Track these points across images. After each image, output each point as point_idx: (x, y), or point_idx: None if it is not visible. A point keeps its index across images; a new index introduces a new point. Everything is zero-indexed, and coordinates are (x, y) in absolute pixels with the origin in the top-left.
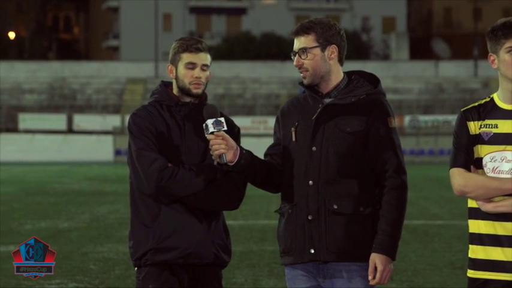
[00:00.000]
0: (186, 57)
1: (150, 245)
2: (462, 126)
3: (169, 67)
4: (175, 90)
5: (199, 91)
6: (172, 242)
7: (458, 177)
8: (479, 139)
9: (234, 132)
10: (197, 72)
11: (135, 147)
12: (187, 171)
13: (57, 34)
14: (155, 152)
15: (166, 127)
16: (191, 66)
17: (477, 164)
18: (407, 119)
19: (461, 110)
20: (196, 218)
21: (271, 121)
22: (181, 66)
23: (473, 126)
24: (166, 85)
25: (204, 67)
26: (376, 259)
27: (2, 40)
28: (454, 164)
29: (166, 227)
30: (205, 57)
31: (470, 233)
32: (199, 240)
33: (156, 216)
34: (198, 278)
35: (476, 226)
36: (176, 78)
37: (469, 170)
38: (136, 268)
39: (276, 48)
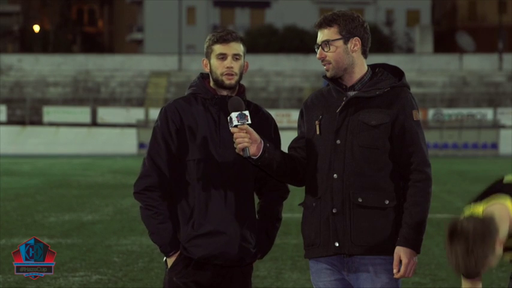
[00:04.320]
0: (217, 48)
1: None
2: None
3: (204, 61)
4: (211, 83)
5: (233, 82)
6: (200, 243)
7: None
8: None
9: (270, 128)
10: (228, 62)
11: (148, 148)
12: (154, 209)
13: (81, 27)
14: (161, 162)
15: (199, 121)
16: (222, 56)
17: None
18: (431, 112)
19: None
20: (228, 221)
21: (295, 114)
22: (213, 59)
23: None
24: (204, 77)
25: (236, 56)
26: (400, 252)
27: (27, 33)
28: None
29: (195, 228)
30: (237, 47)
31: None
32: (227, 243)
33: (187, 215)
34: (223, 274)
35: None
36: (210, 71)
37: None
38: (164, 259)
39: (299, 41)
